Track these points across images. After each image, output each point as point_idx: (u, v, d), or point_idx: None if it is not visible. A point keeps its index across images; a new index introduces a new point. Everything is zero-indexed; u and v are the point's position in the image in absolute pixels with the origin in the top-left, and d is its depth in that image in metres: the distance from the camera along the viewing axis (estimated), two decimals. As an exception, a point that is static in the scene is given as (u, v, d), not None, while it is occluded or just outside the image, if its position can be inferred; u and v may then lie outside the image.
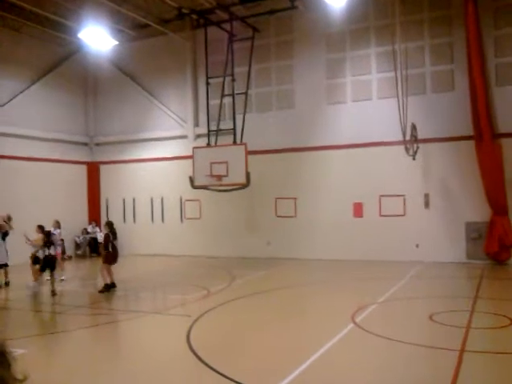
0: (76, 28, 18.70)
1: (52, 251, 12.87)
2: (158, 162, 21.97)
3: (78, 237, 22.09)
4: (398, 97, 16.05)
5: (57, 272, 13.50)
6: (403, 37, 16.71)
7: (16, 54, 19.97)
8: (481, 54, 16.43)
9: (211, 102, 19.70)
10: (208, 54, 19.50)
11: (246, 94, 19.22)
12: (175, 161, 21.39)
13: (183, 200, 21.34)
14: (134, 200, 22.53)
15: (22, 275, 14.08)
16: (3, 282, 14.00)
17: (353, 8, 17.74)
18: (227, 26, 18.95)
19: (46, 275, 13.14)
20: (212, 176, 17.67)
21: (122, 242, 13.91)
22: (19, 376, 1.41)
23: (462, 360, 6.90)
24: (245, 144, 17.80)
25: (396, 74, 16.70)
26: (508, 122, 16.42)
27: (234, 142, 18.39)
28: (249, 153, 17.65)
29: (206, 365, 6.92)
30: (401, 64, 16.67)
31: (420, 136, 16.50)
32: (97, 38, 18.02)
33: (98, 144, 23.59)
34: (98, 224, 22.23)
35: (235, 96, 18.87)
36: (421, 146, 16.60)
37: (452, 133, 17.04)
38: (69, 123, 22.52)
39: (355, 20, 18.47)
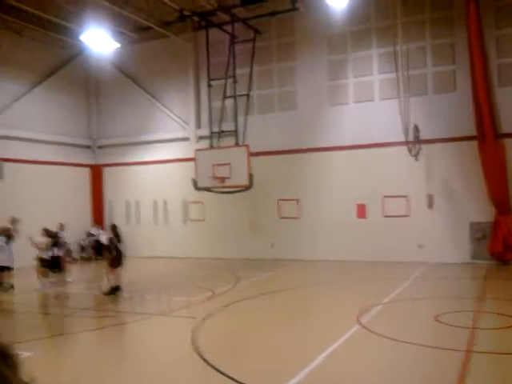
0: (78, 31, 18.74)
1: (57, 252, 12.90)
2: (161, 164, 22.00)
3: (83, 239, 22.12)
4: (399, 98, 16.07)
5: (65, 274, 13.52)
6: (405, 38, 16.74)
7: (18, 56, 20.03)
8: (483, 55, 16.42)
9: (213, 104, 19.74)
10: (210, 56, 19.55)
11: (247, 95, 19.25)
12: (178, 163, 21.42)
13: (186, 202, 21.35)
14: (137, 202, 22.57)
15: (27, 278, 14.12)
16: (9, 284, 14.01)
17: (354, 9, 17.77)
18: (229, 28, 19.00)
19: (52, 276, 13.16)
20: (215, 178, 17.70)
21: (125, 245, 13.91)
22: (26, 379, 1.42)
23: (468, 361, 6.90)
24: (247, 146, 17.82)
25: (398, 74, 16.73)
26: (511, 122, 16.42)
27: (237, 144, 18.41)
28: (251, 154, 17.68)
29: (212, 366, 6.93)
30: (402, 65, 16.69)
31: (422, 137, 16.53)
32: (99, 40, 18.06)
33: (100, 147, 23.64)
34: (101, 226, 22.27)
35: (237, 98, 18.90)
36: (423, 146, 16.63)
37: (454, 133, 17.04)
38: (71, 126, 22.59)
39: (357, 21, 18.48)
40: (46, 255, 12.92)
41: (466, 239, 17.03)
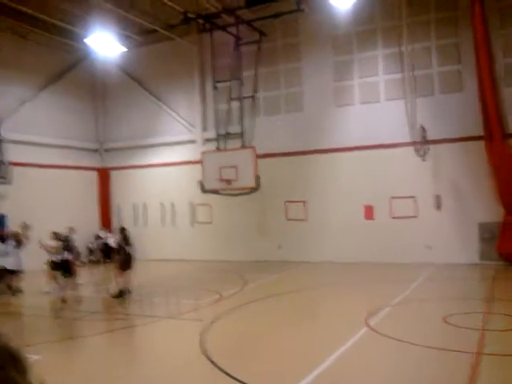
0: (83, 34, 18.80)
1: (67, 256, 12.95)
2: (168, 167, 22.05)
3: (91, 243, 22.21)
4: (406, 98, 16.03)
5: (75, 277, 13.54)
6: (410, 38, 16.72)
7: (24, 61, 20.14)
8: (489, 55, 16.36)
9: (219, 106, 19.77)
10: (215, 58, 19.59)
11: (253, 97, 19.26)
12: (184, 165, 21.46)
13: (193, 204, 21.38)
14: (144, 205, 22.63)
15: (37, 281, 14.18)
16: (17, 287, 14.07)
17: (359, 10, 17.71)
18: (233, 30, 19.02)
19: (63, 280, 13.19)
20: (221, 180, 17.71)
21: (134, 247, 13.96)
22: (35, 382, 1.43)
23: (479, 363, 6.86)
24: (253, 147, 17.82)
25: (403, 75, 16.70)
26: (518, 121, 16.35)
27: (243, 146, 18.42)
28: (258, 156, 17.69)
29: (220, 369, 6.94)
30: (408, 65, 16.66)
31: (429, 137, 16.48)
32: (104, 44, 18.12)
33: (107, 150, 23.73)
34: (109, 229, 22.35)
35: (243, 100, 18.92)
36: (430, 147, 16.57)
37: (461, 133, 16.96)
38: (78, 129, 22.69)
39: (361, 22, 18.45)
40: (57, 258, 12.96)
41: (474, 240, 16.94)
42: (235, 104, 19.60)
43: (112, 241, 19.65)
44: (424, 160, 16.43)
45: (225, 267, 18.48)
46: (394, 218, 17.83)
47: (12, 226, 14.38)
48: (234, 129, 19.21)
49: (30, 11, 18.02)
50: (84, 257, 21.44)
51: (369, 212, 18.37)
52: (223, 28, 19.20)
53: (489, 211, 16.65)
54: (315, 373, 6.67)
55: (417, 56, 16.98)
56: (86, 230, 21.37)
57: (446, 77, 17.48)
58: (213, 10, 18.81)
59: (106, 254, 21.88)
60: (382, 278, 14.99)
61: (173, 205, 21.96)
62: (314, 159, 19.18)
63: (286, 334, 9.02)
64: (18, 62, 19.95)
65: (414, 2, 17.46)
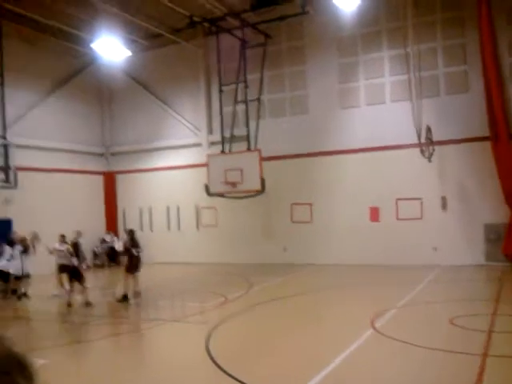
0: (90, 39, 18.91)
1: (75, 261, 12.98)
2: (173, 170, 22.10)
3: (97, 246, 22.27)
4: (411, 99, 15.99)
5: (84, 282, 13.57)
6: (415, 39, 16.67)
7: (31, 66, 20.24)
8: (495, 55, 16.32)
9: (224, 109, 19.80)
10: (220, 62, 19.64)
11: (258, 100, 19.29)
12: (190, 169, 21.50)
13: (199, 208, 21.41)
14: (150, 209, 22.69)
15: (44, 286, 14.23)
16: (23, 292, 14.11)
17: (364, 11, 17.69)
18: (239, 33, 19.07)
19: (71, 284, 13.21)
20: (227, 183, 17.74)
21: (142, 250, 13.95)
22: None
23: (486, 365, 6.82)
24: (259, 150, 17.84)
25: (409, 76, 16.65)
26: (524, 122, 16.27)
27: (248, 149, 18.44)
28: (263, 159, 17.71)
29: (225, 372, 6.94)
30: (414, 66, 16.62)
31: (435, 138, 16.42)
32: (110, 48, 18.18)
33: (113, 154, 23.82)
34: (115, 233, 22.41)
35: (248, 102, 18.95)
36: (436, 148, 16.52)
37: (467, 134, 16.90)
38: (85, 134, 22.80)
39: (366, 23, 18.43)
40: (65, 262, 12.97)
41: (480, 241, 16.87)
42: (240, 107, 19.63)
43: (118, 244, 19.69)
44: (430, 161, 16.38)
45: (230, 270, 18.47)
46: (399, 219, 17.78)
47: (19, 230, 14.40)
48: (240, 132, 19.25)
49: (36, 17, 18.16)
50: (89, 260, 21.48)
51: (374, 214, 18.32)
52: (229, 31, 19.25)
53: (495, 212, 16.57)
54: (321, 375, 6.66)
55: (422, 57, 16.94)
56: (91, 233, 21.41)
57: (452, 77, 17.43)
58: (218, 13, 18.87)
59: (111, 257, 21.95)
60: (388, 280, 14.94)
61: (178, 208, 22.00)
62: (319, 161, 19.16)
63: (292, 337, 9.01)
64: (25, 67, 20.05)
65: (419, 2, 17.44)
